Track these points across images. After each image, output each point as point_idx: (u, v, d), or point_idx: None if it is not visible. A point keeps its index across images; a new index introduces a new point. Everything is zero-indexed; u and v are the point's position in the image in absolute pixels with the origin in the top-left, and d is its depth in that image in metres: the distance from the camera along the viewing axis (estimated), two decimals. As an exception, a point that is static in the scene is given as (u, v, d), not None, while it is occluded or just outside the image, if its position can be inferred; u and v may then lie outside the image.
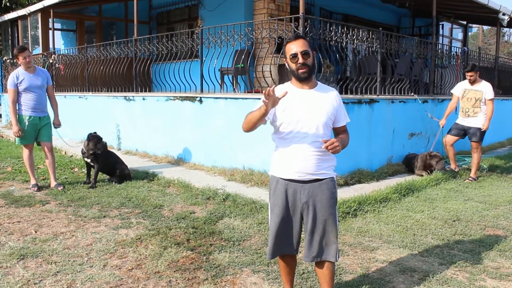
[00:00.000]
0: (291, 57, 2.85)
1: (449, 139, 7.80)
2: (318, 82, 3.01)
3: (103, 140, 6.91)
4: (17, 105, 6.46)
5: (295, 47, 2.85)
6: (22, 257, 4.02)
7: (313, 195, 2.90)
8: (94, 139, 6.79)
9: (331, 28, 7.13)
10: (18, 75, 6.38)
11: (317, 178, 2.90)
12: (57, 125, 6.82)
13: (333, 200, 2.94)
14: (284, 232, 2.99)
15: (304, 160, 2.87)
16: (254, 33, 7.60)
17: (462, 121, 7.72)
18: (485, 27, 24.58)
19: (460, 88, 7.82)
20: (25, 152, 6.59)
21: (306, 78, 2.88)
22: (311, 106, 2.87)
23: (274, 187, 3.00)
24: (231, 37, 7.61)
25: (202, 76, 8.04)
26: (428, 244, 4.51)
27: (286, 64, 2.93)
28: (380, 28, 8.13)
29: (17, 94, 6.39)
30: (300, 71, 2.85)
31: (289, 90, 2.91)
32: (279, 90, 2.97)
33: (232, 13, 10.54)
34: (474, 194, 6.62)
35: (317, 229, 2.93)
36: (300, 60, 2.83)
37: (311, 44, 7.05)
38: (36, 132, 6.57)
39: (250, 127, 2.93)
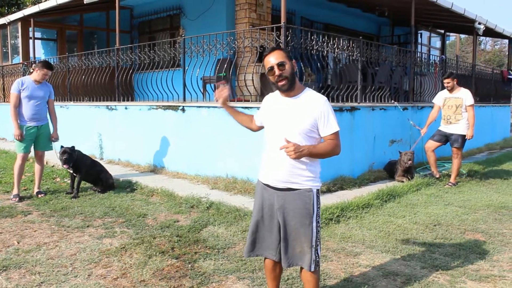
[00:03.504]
0: (268, 70, 2.89)
1: (431, 144, 7.93)
2: (306, 89, 2.97)
3: (74, 152, 6.76)
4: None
5: (271, 59, 2.88)
6: (4, 268, 3.98)
7: (285, 203, 2.93)
8: (61, 151, 6.73)
9: (312, 37, 7.24)
10: (24, 82, 6.63)
11: (289, 187, 2.92)
12: (55, 138, 6.92)
13: (306, 211, 2.90)
14: (259, 233, 3.07)
15: (278, 168, 2.91)
16: (236, 42, 7.67)
17: (445, 128, 7.86)
18: (462, 36, 25.10)
19: (441, 97, 7.98)
20: (18, 161, 6.63)
21: (287, 89, 2.89)
22: (289, 115, 2.89)
23: (256, 189, 3.13)
24: (213, 46, 7.67)
25: (184, 85, 8.06)
26: (410, 248, 4.59)
27: (268, 77, 2.99)
28: (360, 37, 8.27)
29: (19, 102, 6.57)
30: (280, 83, 2.88)
31: (275, 98, 3.02)
32: (268, 98, 3.12)
33: (214, 22, 10.62)
34: (454, 199, 6.75)
35: (289, 237, 2.96)
36: (276, 72, 2.85)
37: (291, 53, 7.16)
38: (33, 141, 6.72)
39: (245, 126, 3.39)
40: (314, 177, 2.95)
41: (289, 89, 2.90)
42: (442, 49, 17.76)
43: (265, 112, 3.06)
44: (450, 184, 7.66)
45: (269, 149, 2.98)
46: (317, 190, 2.97)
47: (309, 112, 2.86)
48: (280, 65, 2.85)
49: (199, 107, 7.65)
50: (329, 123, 2.87)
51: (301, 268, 3.06)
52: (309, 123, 2.86)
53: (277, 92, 3.06)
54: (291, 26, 7.13)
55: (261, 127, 3.22)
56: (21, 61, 13.12)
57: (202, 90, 8.62)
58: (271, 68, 2.87)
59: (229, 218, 5.44)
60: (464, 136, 7.68)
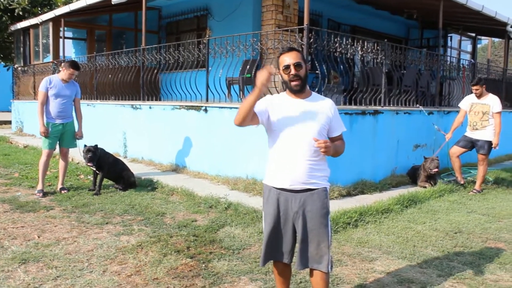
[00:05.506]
0: (283, 68, 2.91)
1: (456, 150, 7.77)
2: (313, 93, 3.07)
3: (97, 150, 6.87)
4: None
5: (288, 58, 2.91)
6: (23, 261, 4.07)
7: (304, 204, 2.93)
8: (85, 149, 6.86)
9: (335, 39, 7.18)
10: (51, 80, 6.80)
11: (308, 187, 2.93)
12: (80, 136, 7.09)
13: (324, 210, 2.95)
14: (276, 241, 3.03)
15: (296, 169, 2.91)
16: (259, 44, 7.67)
17: (471, 134, 7.69)
18: (495, 40, 24.51)
19: (467, 102, 7.81)
20: (43, 157, 6.81)
21: (299, 90, 2.93)
22: (304, 116, 2.91)
23: (267, 196, 3.07)
24: (237, 47, 7.69)
25: (207, 85, 8.11)
26: (427, 255, 4.50)
27: (280, 76, 2.99)
28: (385, 40, 8.16)
29: (46, 99, 6.74)
30: (293, 83, 2.91)
31: (283, 100, 2.99)
32: (273, 98, 3.05)
33: (240, 24, 10.63)
34: (477, 206, 6.59)
35: (308, 239, 2.95)
36: (293, 71, 2.88)
37: (314, 55, 7.11)
38: (58, 138, 6.89)
39: (242, 116, 2.81)
40: (327, 176, 3.04)
41: (301, 90, 2.95)
42: (473, 53, 17.37)
43: (274, 113, 2.95)
44: (474, 191, 7.48)
45: (283, 151, 2.96)
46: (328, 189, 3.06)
47: (325, 113, 2.96)
48: (297, 65, 2.89)
49: (221, 108, 7.69)
50: (340, 123, 3.07)
51: (311, 271, 3.04)
52: (325, 123, 2.97)
53: (283, 94, 3.06)
54: (314, 28, 7.08)
55: (256, 123, 2.95)
56: (51, 60, 13.43)
57: (226, 91, 8.65)
58: (287, 67, 2.90)
59: (247, 219, 5.44)
60: (491, 142, 7.49)
